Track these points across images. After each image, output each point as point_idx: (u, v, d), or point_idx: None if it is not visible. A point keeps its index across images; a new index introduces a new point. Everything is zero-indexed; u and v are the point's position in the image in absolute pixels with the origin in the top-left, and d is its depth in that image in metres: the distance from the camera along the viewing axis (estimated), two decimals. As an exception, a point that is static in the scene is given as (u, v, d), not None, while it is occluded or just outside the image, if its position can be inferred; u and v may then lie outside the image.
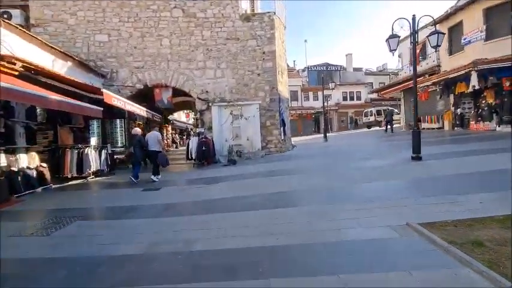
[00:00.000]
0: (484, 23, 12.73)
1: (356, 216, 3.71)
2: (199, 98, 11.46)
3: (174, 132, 23.69)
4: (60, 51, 8.52)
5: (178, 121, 27.41)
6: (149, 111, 9.81)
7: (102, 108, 7.06)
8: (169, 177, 8.04)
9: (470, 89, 12.36)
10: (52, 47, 8.18)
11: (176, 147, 22.39)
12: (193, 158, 9.64)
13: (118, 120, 10.80)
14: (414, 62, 6.94)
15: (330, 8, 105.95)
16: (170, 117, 23.20)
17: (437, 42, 6.96)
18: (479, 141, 9.63)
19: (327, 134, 16.30)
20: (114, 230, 3.95)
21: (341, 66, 39.37)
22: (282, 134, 11.67)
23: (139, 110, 8.46)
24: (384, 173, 6.02)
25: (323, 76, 15.28)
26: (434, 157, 7.09)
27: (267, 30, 11.80)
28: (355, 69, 40.73)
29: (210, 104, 11.23)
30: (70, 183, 7.23)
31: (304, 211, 4.16)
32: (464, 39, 13.74)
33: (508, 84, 12.09)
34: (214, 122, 11.20)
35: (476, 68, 11.67)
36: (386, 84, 25.10)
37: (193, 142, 9.68)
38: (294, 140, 19.76)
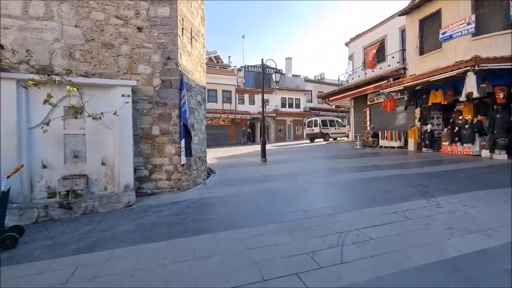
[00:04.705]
0: (472, 12, 9.62)
1: None
2: (-31, 58, 4.64)
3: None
4: None
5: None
6: None
7: None
8: None
9: (463, 98, 8.89)
10: None
11: None
12: None
13: None
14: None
15: (272, 9, 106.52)
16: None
17: None
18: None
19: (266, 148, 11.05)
20: None
21: (280, 70, 35.98)
22: (183, 153, 5.79)
23: None
24: None
25: (264, 64, 10.11)
26: None
27: None
28: (294, 76, 38.06)
29: (-5, 75, 4.53)
30: None
31: None
32: (444, 33, 10.53)
33: (501, 95, 9.05)
34: (5, 119, 4.54)
35: (476, 68, 8.15)
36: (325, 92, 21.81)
37: None
38: (219, 154, 14.04)
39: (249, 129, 28.16)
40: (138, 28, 5.74)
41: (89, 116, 4.75)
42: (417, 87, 10.89)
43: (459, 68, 8.50)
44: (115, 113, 4.91)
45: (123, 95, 4.99)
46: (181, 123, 5.86)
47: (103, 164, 5.19)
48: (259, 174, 7.61)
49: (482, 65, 7.96)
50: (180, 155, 5.83)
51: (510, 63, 7.88)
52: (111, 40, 5.56)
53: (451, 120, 11.27)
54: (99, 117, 4.79)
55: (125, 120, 5.22)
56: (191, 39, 6.63)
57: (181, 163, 5.82)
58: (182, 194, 5.63)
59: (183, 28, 6.16)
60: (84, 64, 5.35)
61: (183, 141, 5.84)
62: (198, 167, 6.76)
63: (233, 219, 3.91)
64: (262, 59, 10.42)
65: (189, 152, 6.02)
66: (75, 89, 4.62)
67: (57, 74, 4.79)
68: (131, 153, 5.30)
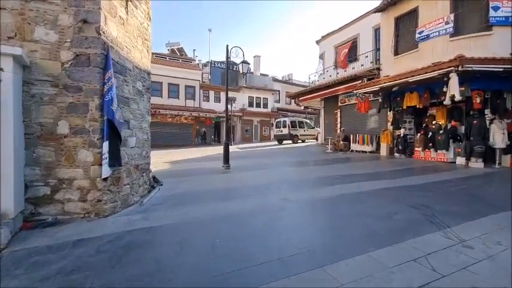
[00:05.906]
0: (451, 11, 9.13)
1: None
2: None
3: None
4: None
5: None
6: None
7: None
8: None
9: (447, 101, 8.25)
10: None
11: None
12: None
13: None
14: None
15: (243, 8, 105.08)
16: None
17: None
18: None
19: (231, 148, 9.46)
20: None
21: (248, 66, 34.65)
22: (106, 162, 4.00)
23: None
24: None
25: (229, 52, 8.58)
26: None
27: None
28: (262, 75, 37.00)
29: None
30: None
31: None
32: (421, 33, 9.97)
33: (478, 100, 8.64)
34: None
35: (459, 69, 7.51)
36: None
37: None
38: (176, 156, 12.11)
39: (203, 129, 26.19)
40: (35, -28, 3.80)
41: None
42: (393, 89, 10.20)
43: (441, 69, 7.82)
44: (-24, 98, 2.97)
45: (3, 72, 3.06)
46: (105, 118, 4.04)
47: (-41, 179, 3.20)
48: (219, 186, 6.01)
49: (467, 65, 7.32)
50: (101, 165, 4.01)
51: (493, 65, 7.36)
52: (-14, -16, 3.56)
53: (423, 125, 10.83)
54: None
55: (2, 109, 3.29)
56: (126, 1, 4.81)
57: (103, 176, 4.00)
58: (102, 222, 3.82)
59: (111, -17, 4.33)
60: None
61: (106, 144, 4.02)
62: (134, 179, 4.95)
63: (163, 286, 2.30)
64: (227, 45, 8.85)
65: (116, 160, 4.21)
66: None
67: None
68: (12, 161, 3.37)
